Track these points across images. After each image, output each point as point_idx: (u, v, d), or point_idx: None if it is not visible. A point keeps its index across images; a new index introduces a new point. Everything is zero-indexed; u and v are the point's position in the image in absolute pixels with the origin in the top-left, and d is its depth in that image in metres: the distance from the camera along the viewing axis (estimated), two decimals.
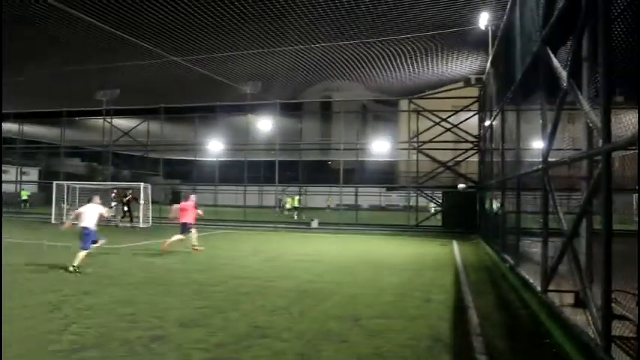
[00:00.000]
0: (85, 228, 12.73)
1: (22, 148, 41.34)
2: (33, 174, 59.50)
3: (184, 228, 17.18)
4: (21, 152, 41.82)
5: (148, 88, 31.49)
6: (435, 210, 36.08)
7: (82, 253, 12.44)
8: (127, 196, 28.88)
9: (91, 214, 12.97)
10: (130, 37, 21.04)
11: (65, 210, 31.15)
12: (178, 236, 17.02)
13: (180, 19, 19.24)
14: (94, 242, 13.09)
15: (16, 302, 8.80)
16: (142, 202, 29.10)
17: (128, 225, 28.42)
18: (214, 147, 33.21)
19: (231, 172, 48.20)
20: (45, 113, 37.61)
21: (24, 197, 44.31)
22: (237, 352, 6.36)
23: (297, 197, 40.75)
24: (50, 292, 9.85)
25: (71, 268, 12.08)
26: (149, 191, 30.09)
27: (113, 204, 29.83)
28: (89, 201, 13.50)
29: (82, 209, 13.13)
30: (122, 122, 34.94)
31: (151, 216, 30.02)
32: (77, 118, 37.63)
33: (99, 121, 34.61)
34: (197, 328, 7.41)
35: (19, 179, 39.77)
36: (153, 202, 31.53)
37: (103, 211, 13.65)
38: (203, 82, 28.73)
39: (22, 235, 21.45)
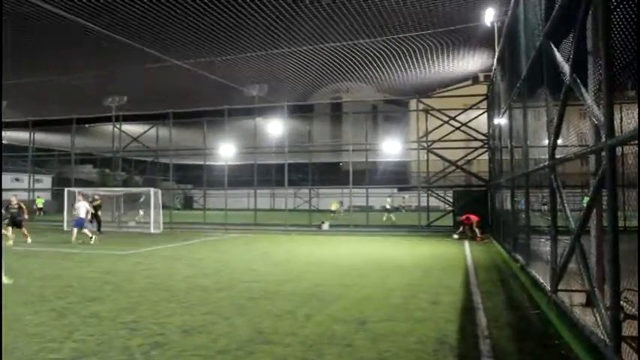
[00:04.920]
0: None
1: (34, 156, 41.59)
2: (46, 181, 60.00)
3: None
4: (33, 160, 42.09)
5: (155, 93, 31.56)
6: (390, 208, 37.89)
7: None
8: (94, 201, 28.01)
9: None
10: (134, 43, 21.06)
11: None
12: None
13: (185, 24, 19.23)
14: None
15: (30, 309, 8.94)
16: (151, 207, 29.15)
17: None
18: (224, 151, 33.20)
19: (242, 176, 48.36)
20: (55, 121, 37.84)
21: (40, 205, 44.61)
22: (239, 358, 6.26)
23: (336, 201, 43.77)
24: (57, 299, 9.85)
25: None
26: (159, 196, 30.15)
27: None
28: None
29: None
30: (131, 128, 35.04)
31: (161, 221, 30.10)
32: (87, 125, 37.83)
33: (108, 128, 34.75)
34: (199, 334, 7.32)
35: (32, 187, 39.96)
36: (164, 207, 31.64)
37: None
38: (210, 86, 28.73)
39: (36, 241, 21.50)
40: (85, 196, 27.98)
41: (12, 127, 39.88)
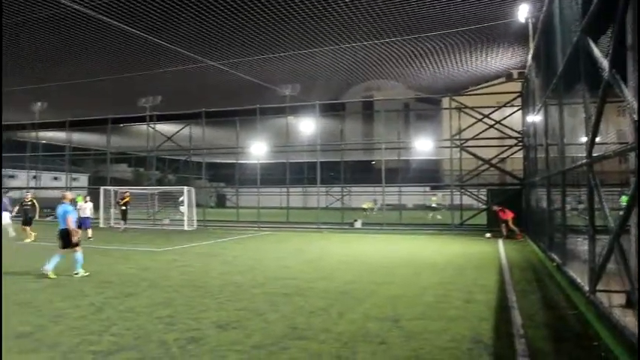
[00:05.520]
0: None
1: (71, 155, 42.57)
2: (83, 180, 61.34)
3: None
4: (71, 159, 43.11)
5: (188, 93, 31.96)
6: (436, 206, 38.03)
7: None
8: (124, 199, 27.86)
9: None
10: (168, 44, 21.39)
11: (113, 214, 31.93)
12: None
13: (218, 24, 19.42)
14: None
15: (70, 303, 9.24)
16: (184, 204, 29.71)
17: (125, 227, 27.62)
18: (256, 149, 33.45)
19: (275, 174, 48.66)
20: (92, 121, 38.66)
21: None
22: (273, 353, 6.33)
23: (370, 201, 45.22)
24: (95, 294, 10.09)
25: None
26: (193, 194, 30.55)
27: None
28: None
29: None
30: (165, 127, 35.53)
31: (195, 219, 30.48)
32: (122, 125, 38.54)
33: (143, 127, 35.34)
34: (234, 329, 7.42)
35: (69, 185, 40.90)
36: (197, 205, 32.03)
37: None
38: (242, 85, 28.97)
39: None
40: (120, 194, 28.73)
41: (51, 127, 40.83)
